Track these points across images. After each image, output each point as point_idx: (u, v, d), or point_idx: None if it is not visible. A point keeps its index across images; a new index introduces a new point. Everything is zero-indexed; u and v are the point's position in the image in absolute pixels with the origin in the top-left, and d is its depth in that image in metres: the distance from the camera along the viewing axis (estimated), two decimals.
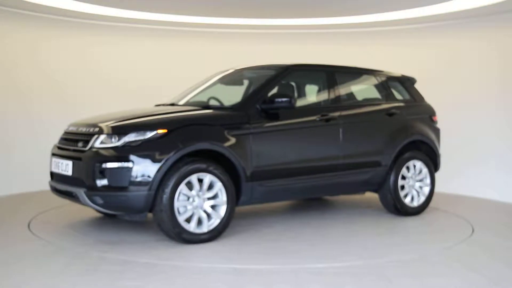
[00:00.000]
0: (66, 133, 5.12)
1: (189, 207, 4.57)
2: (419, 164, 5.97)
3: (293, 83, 5.78)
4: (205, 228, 4.64)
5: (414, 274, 3.89)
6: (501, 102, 8.43)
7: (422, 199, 5.98)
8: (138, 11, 8.51)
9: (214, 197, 4.70)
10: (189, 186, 4.59)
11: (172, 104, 5.59)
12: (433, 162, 6.15)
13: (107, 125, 4.65)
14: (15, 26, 8.23)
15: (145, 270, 3.91)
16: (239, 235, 4.99)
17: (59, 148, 5.05)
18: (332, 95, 5.63)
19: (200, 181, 4.63)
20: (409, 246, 4.73)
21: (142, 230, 5.11)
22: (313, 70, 5.90)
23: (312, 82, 6.06)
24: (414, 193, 5.95)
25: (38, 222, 5.46)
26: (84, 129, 4.83)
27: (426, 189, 6.01)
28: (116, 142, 4.50)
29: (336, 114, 5.48)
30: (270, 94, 5.15)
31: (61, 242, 4.69)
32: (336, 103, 5.60)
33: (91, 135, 4.66)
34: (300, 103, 5.78)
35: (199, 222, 4.64)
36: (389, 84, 6.21)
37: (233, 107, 5.10)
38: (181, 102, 5.61)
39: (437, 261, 4.27)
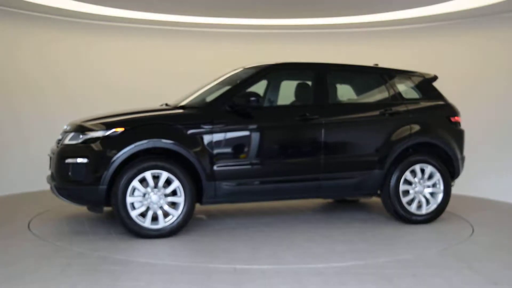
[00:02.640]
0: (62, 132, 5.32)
1: (144, 202, 4.72)
2: (429, 168, 5.51)
3: (309, 82, 5.69)
4: (161, 224, 4.75)
5: (414, 274, 3.88)
6: (501, 102, 8.43)
7: (433, 206, 5.53)
8: (143, 11, 8.57)
9: (175, 194, 4.80)
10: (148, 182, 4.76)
11: (166, 105, 5.65)
12: (450, 167, 5.68)
13: (74, 124, 5.04)
14: (27, 28, 8.36)
15: (145, 270, 3.91)
16: (239, 235, 5.00)
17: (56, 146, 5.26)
18: (318, 94, 5.45)
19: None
20: (409, 246, 4.73)
21: None
22: (300, 69, 5.79)
23: (298, 81, 5.93)
24: (423, 199, 5.51)
25: (38, 222, 5.46)
26: (66, 128, 5.18)
27: (439, 196, 5.56)
28: (79, 139, 4.83)
29: (318, 114, 5.28)
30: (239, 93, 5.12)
31: (61, 242, 4.69)
32: (322, 102, 5.41)
33: (66, 133, 5.04)
34: (279, 102, 5.71)
35: (156, 218, 4.78)
36: (394, 81, 5.84)
37: (201, 107, 5.18)
38: (182, 103, 5.59)
39: (437, 261, 4.27)
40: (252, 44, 9.52)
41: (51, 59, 8.63)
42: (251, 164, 5.10)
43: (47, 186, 5.28)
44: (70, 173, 4.77)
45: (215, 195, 4.98)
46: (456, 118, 5.87)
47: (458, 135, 5.83)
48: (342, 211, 6.29)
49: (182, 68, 9.13)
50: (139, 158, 4.76)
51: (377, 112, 5.58)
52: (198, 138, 4.90)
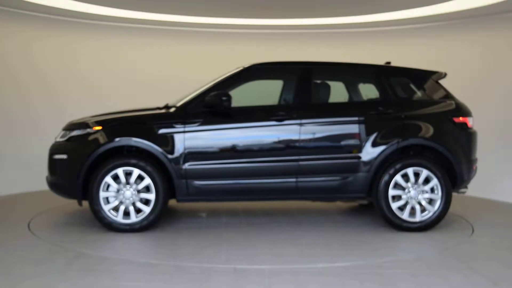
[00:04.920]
0: None
1: (118, 197, 4.97)
2: (425, 172, 5.14)
3: (329, 83, 5.58)
4: (132, 219, 4.98)
5: (414, 274, 3.89)
6: (501, 102, 8.42)
7: (429, 214, 5.16)
8: (150, 12, 8.71)
9: (149, 190, 5.00)
10: (127, 178, 5.00)
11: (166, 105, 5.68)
12: (451, 172, 5.27)
13: (68, 122, 5.40)
14: (42, 31, 8.55)
15: (145, 270, 3.91)
16: (240, 236, 5.00)
17: None
18: (298, 94, 5.33)
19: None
20: (409, 246, 4.73)
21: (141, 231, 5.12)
22: (282, 68, 5.70)
23: (281, 80, 5.86)
24: (417, 206, 5.15)
25: (38, 222, 5.46)
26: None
27: (436, 203, 5.17)
28: (65, 137, 5.21)
29: (296, 114, 5.17)
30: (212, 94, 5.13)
31: (61, 242, 4.69)
32: (302, 102, 5.29)
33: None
34: (257, 102, 5.63)
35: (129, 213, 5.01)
36: (390, 79, 5.53)
37: (178, 107, 5.24)
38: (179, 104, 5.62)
39: (437, 261, 4.27)
40: (252, 44, 9.52)
41: (68, 60, 8.81)
42: (222, 163, 5.12)
43: (46, 186, 5.37)
44: (56, 168, 5.20)
45: (188, 193, 5.08)
46: (461, 118, 5.43)
47: (464, 137, 5.40)
48: (340, 212, 6.29)
49: (183, 68, 9.16)
50: (117, 156, 5.02)
51: (363, 112, 5.30)
52: (169, 137, 5.03)
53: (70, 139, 5.16)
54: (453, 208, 6.21)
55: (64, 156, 5.11)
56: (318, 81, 5.62)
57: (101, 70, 9.05)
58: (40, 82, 8.54)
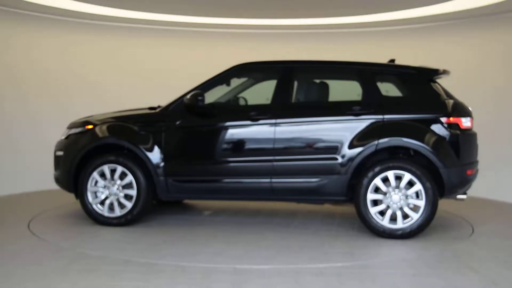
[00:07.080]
0: None
1: (105, 192, 5.22)
2: (408, 176, 4.80)
3: (326, 82, 5.47)
4: (116, 213, 5.21)
5: (414, 274, 3.89)
6: (501, 103, 8.42)
7: (411, 220, 4.81)
8: (152, 12, 8.77)
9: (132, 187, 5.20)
10: (112, 175, 5.24)
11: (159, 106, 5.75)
12: (438, 177, 4.87)
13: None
14: (47, 31, 8.63)
15: (145, 270, 3.91)
16: (241, 235, 5.00)
17: None
18: (278, 94, 5.23)
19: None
20: (409, 246, 4.72)
21: (142, 230, 5.12)
22: (265, 68, 5.67)
23: (263, 80, 5.86)
24: (398, 212, 4.81)
25: (38, 222, 5.46)
26: None
27: (420, 209, 4.79)
28: (65, 135, 5.54)
29: (272, 114, 5.09)
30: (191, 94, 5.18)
31: (61, 242, 4.69)
32: (280, 102, 5.20)
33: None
34: (236, 102, 5.71)
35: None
36: (374, 77, 5.23)
37: (163, 108, 5.38)
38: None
39: (436, 261, 4.28)
40: (252, 44, 9.53)
41: (69, 60, 8.82)
42: (199, 163, 5.23)
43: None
44: (57, 164, 5.53)
45: (168, 191, 5.21)
46: (451, 119, 4.98)
47: (455, 138, 4.95)
48: (339, 213, 6.29)
49: (184, 68, 9.17)
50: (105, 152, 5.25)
51: (340, 112, 5.07)
52: (149, 136, 5.19)
53: (68, 137, 5.48)
54: (453, 208, 6.23)
55: (61, 153, 5.44)
56: (303, 81, 5.57)
57: (102, 70, 9.06)
58: (40, 83, 8.55)
